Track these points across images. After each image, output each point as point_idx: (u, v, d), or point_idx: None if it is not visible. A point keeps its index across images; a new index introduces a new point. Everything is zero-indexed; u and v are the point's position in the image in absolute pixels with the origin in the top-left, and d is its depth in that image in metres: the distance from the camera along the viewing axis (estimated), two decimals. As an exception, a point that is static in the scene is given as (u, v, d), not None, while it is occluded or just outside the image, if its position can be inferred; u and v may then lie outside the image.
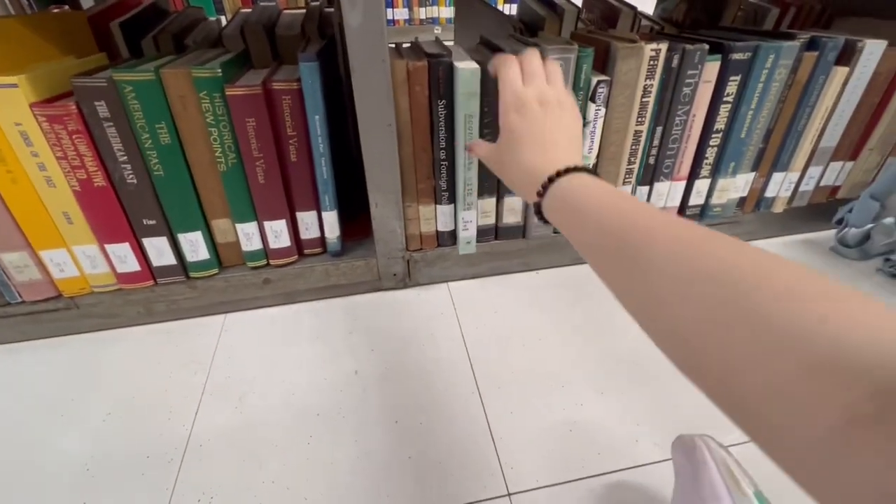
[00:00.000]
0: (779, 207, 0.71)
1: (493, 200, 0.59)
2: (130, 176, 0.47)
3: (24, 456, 0.44)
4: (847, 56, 0.59)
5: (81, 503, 0.40)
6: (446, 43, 0.57)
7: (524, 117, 0.33)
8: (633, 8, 0.75)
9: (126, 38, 0.58)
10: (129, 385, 0.51)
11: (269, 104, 0.48)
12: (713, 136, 0.60)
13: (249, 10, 0.73)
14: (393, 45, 0.55)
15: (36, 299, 0.53)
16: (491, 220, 0.61)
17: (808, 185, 0.70)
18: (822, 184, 0.70)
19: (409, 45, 0.58)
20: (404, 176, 0.54)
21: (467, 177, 0.55)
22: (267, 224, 0.55)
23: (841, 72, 0.59)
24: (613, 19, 0.75)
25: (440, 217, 0.59)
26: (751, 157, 0.64)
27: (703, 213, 0.68)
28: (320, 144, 0.51)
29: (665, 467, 0.42)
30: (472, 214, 0.58)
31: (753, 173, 0.66)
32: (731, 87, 0.57)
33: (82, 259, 0.51)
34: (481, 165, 0.55)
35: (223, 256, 0.57)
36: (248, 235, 0.55)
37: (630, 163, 0.59)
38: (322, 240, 0.59)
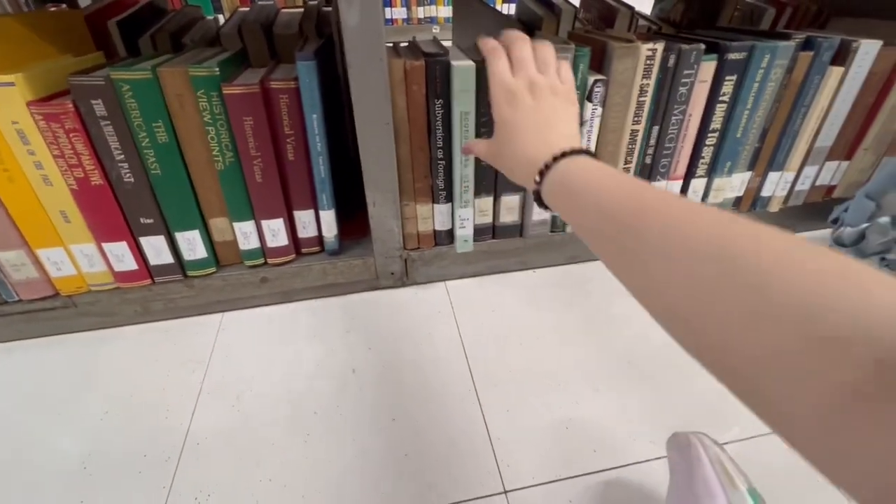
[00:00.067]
0: (775, 207, 0.71)
1: (490, 199, 0.59)
2: (128, 175, 0.47)
3: (22, 454, 0.44)
4: (842, 56, 0.59)
5: (79, 502, 0.40)
6: (444, 43, 0.57)
7: (516, 109, 0.33)
8: (630, 8, 0.75)
9: (123, 36, 0.58)
10: (127, 384, 0.51)
11: (267, 103, 0.48)
12: (709, 135, 0.61)
13: (247, 8, 0.74)
14: (391, 45, 0.55)
15: (33, 298, 0.53)
16: (488, 219, 0.61)
17: (803, 185, 0.70)
18: (817, 183, 0.71)
19: (406, 44, 0.58)
20: (402, 175, 0.55)
21: (464, 174, 0.55)
22: (264, 223, 0.55)
23: (836, 72, 0.59)
24: (611, 19, 0.75)
25: (437, 216, 0.59)
26: (747, 157, 0.64)
27: (699, 212, 0.68)
28: (318, 143, 0.51)
29: (660, 465, 0.42)
30: (469, 212, 0.59)
31: (749, 173, 0.66)
32: (728, 87, 0.57)
33: (79, 258, 0.51)
34: (478, 163, 0.55)
35: (220, 255, 0.57)
36: (245, 234, 0.55)
37: (626, 162, 0.60)
38: (319, 239, 0.59)
